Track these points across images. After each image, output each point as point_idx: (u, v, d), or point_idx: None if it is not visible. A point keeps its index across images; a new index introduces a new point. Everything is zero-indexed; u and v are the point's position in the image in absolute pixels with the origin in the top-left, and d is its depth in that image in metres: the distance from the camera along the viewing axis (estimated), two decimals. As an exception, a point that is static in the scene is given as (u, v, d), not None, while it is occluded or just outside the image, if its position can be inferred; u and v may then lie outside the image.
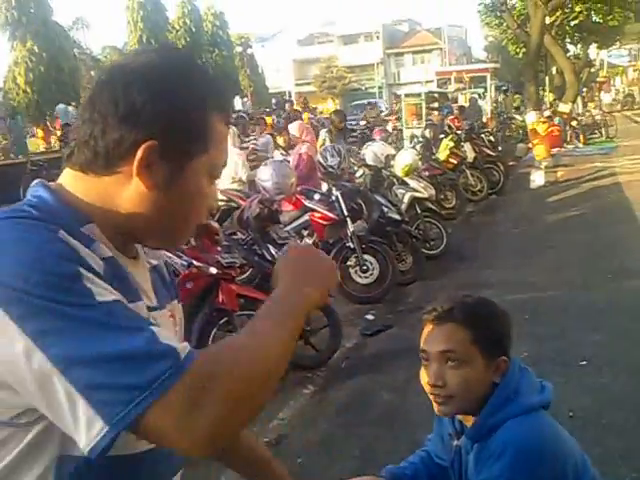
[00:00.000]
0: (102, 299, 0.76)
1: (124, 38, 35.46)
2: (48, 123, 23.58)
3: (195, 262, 3.98)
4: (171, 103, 0.86)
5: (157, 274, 1.05)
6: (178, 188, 0.88)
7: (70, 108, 21.99)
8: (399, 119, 17.47)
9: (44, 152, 19.66)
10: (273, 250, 4.48)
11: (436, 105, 15.59)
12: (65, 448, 0.82)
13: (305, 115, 19.37)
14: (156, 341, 0.75)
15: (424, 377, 1.48)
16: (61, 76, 25.17)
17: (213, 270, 4.01)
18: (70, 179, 0.90)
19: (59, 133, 19.48)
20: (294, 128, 8.21)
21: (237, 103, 30.90)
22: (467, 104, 17.26)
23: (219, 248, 4.19)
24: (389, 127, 16.22)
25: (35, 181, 0.92)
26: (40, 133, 25.08)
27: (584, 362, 3.97)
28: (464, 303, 1.49)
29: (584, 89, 28.75)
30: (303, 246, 1.06)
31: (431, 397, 1.48)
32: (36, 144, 24.02)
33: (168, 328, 1.00)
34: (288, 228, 5.65)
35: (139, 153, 0.84)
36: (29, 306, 0.73)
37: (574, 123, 18.44)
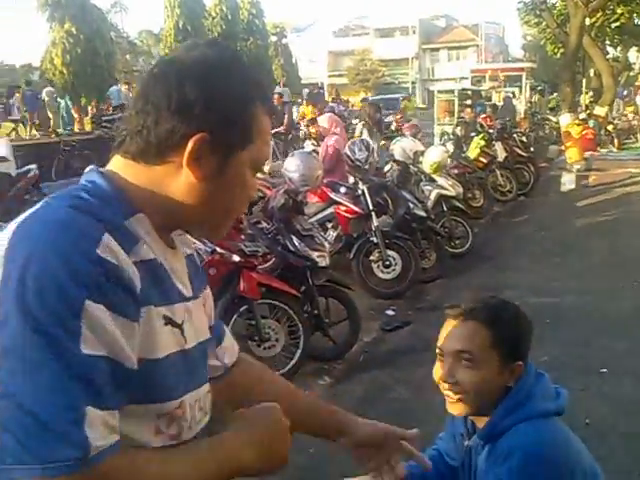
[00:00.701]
0: (86, 351, 0.75)
1: (160, 23, 35.72)
2: (92, 104, 23.82)
3: (218, 249, 4.02)
4: (221, 97, 0.89)
5: (191, 263, 1.08)
6: (224, 179, 0.92)
7: (123, 89, 22.20)
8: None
9: (77, 133, 19.89)
10: (296, 241, 4.49)
11: (469, 102, 15.41)
12: None
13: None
14: (80, 426, 0.73)
15: (437, 372, 1.49)
16: (97, 59, 25.39)
17: (236, 258, 4.04)
18: (122, 166, 0.93)
19: (105, 115, 19.70)
20: (324, 120, 8.20)
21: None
22: (501, 103, 17.05)
23: (243, 236, 4.22)
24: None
25: (89, 167, 0.95)
26: (75, 114, 25.38)
27: (604, 370, 3.93)
28: (488, 304, 1.48)
29: (624, 92, 28.23)
30: (276, 412, 1.02)
31: (444, 394, 1.48)
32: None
33: (199, 317, 1.03)
34: (312, 220, 5.66)
35: (190, 145, 0.88)
36: (18, 314, 0.74)
37: (610, 127, 18.12)
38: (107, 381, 0.78)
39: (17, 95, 20.20)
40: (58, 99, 20.85)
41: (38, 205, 0.86)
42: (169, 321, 0.90)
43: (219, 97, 0.89)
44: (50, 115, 20.16)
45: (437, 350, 1.50)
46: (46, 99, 20.08)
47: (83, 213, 0.83)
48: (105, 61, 25.85)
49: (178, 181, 0.91)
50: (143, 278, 0.85)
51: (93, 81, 24.48)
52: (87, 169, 0.95)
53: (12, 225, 0.83)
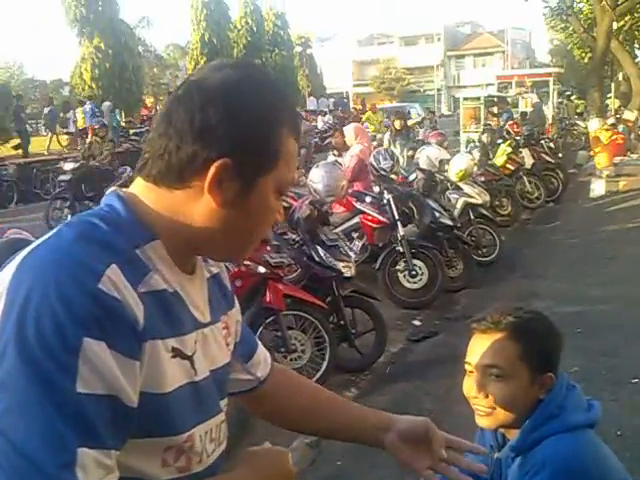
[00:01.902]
0: (82, 390, 0.74)
1: (187, 37, 36.19)
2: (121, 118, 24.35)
3: (244, 260, 4.04)
4: (246, 122, 0.87)
5: (217, 283, 1.06)
6: (247, 204, 0.90)
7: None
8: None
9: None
10: (322, 251, 4.50)
11: (495, 110, 15.31)
12: None
13: (367, 115, 19.11)
14: (71, 468, 0.72)
15: (467, 387, 1.47)
16: (125, 73, 25.88)
17: (262, 269, 4.06)
18: (142, 189, 0.91)
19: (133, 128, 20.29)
20: (349, 130, 8.22)
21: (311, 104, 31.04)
22: (531, 109, 16.89)
23: (268, 247, 4.24)
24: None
25: (111, 189, 0.94)
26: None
27: (636, 380, 3.85)
28: (515, 316, 1.45)
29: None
30: (285, 458, 1.02)
31: (474, 408, 1.46)
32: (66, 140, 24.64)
33: (219, 342, 1.02)
34: (338, 230, 5.68)
35: (212, 171, 0.86)
36: (15, 349, 0.74)
37: (640, 132, 17.82)
38: (104, 420, 0.76)
39: (79, 109, 20.72)
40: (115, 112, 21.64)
41: (51, 232, 0.86)
42: (178, 353, 0.88)
43: (243, 121, 0.87)
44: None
45: (465, 365, 1.48)
46: (104, 112, 20.73)
47: (91, 243, 0.82)
48: (133, 75, 26.31)
49: (199, 206, 0.89)
50: (150, 311, 0.83)
51: (121, 95, 24.91)
52: (109, 190, 0.95)
53: (23, 252, 0.83)
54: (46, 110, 21.50)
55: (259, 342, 1.25)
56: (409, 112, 24.16)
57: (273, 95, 0.92)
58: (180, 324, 0.90)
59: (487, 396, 1.42)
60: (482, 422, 1.47)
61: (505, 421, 1.45)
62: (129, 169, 10.21)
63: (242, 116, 0.87)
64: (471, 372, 1.46)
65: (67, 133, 20.01)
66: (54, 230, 0.86)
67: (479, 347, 1.45)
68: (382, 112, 21.78)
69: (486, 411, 1.44)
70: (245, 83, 0.89)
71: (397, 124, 10.29)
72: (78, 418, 0.73)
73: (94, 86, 25.55)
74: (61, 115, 21.37)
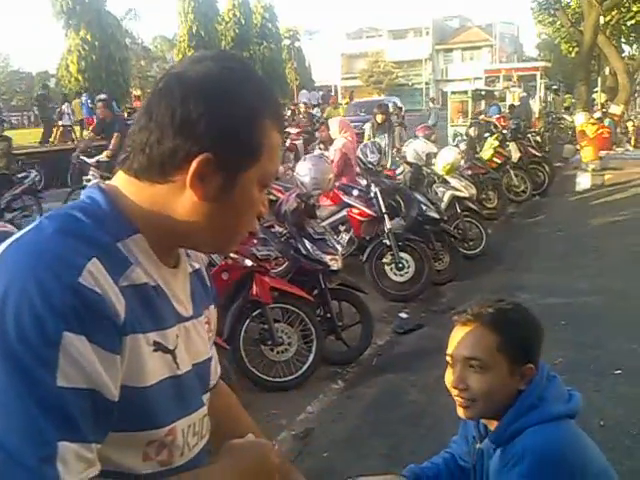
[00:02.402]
0: (62, 384, 0.74)
1: (174, 29, 35.96)
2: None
3: (231, 254, 4.04)
4: (227, 116, 0.86)
5: (198, 278, 1.06)
6: (230, 198, 0.89)
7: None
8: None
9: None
10: (309, 244, 4.50)
11: (482, 107, 15.37)
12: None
13: (328, 110, 18.78)
14: (51, 462, 0.72)
15: (448, 379, 1.49)
16: (112, 65, 25.72)
17: (248, 262, 4.06)
18: (124, 183, 0.91)
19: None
20: (334, 124, 8.21)
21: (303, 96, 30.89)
22: (518, 103, 16.97)
23: (255, 240, 4.24)
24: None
25: (93, 181, 0.95)
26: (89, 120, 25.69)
27: (619, 371, 3.89)
28: (495, 308, 1.47)
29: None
30: (266, 449, 1.00)
31: (455, 399, 1.48)
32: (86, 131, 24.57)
33: (201, 336, 1.02)
34: (325, 223, 5.68)
35: (193, 166, 0.85)
36: None
37: (629, 124, 17.93)
38: (85, 414, 0.76)
39: (76, 101, 20.54)
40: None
41: (29, 226, 0.85)
42: (160, 347, 0.88)
43: (224, 115, 0.86)
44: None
45: (447, 357, 1.50)
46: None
47: (71, 237, 0.81)
48: (120, 67, 26.14)
49: (182, 200, 0.88)
50: (131, 305, 0.83)
51: (108, 87, 24.71)
52: (90, 183, 0.95)
53: (1, 246, 0.82)
54: (64, 105, 21.31)
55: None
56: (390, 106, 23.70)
57: (255, 88, 0.90)
58: (161, 318, 0.89)
59: (467, 388, 1.44)
60: (463, 413, 1.48)
61: (485, 412, 1.47)
62: None
63: (223, 110, 0.86)
64: (452, 364, 1.48)
65: (62, 126, 19.79)
66: (34, 223, 0.86)
67: (459, 339, 1.47)
68: (344, 107, 21.56)
69: (467, 402, 1.45)
70: (226, 76, 0.88)
71: (379, 118, 10.30)
72: (58, 412, 0.73)
73: (80, 78, 25.37)
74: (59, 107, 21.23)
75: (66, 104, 20.58)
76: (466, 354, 1.44)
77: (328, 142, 8.16)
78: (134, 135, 0.89)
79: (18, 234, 0.84)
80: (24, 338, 0.73)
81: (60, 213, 0.87)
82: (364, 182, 6.38)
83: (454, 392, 1.47)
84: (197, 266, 1.07)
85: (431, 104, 23.33)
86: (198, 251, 1.03)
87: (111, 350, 0.79)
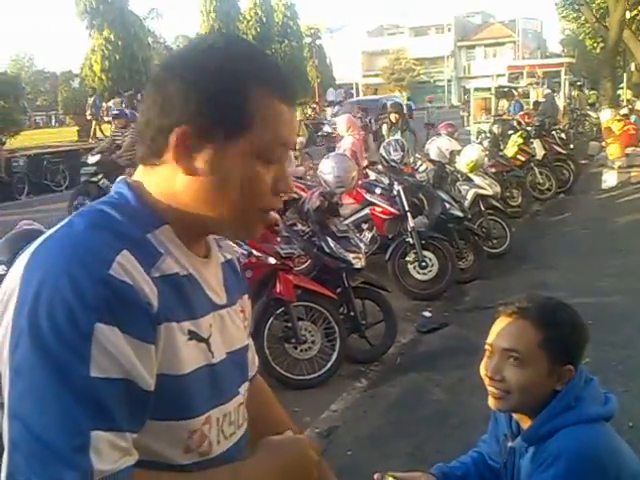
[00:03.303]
0: (96, 374, 0.75)
1: (196, 28, 36.17)
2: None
3: (255, 252, 4.05)
4: (206, 87, 0.85)
5: (231, 268, 1.07)
6: (222, 172, 0.87)
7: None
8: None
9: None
10: (332, 243, 4.50)
11: (505, 104, 15.21)
12: None
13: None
14: (84, 451, 0.73)
15: (484, 368, 1.47)
16: (135, 64, 25.92)
17: (272, 260, 4.06)
18: (141, 175, 0.93)
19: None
20: (341, 122, 8.17)
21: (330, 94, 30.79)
22: (542, 99, 16.79)
23: (278, 239, 4.24)
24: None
25: (120, 177, 0.96)
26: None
27: (648, 372, 3.83)
28: (543, 304, 1.46)
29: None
30: (304, 444, 0.99)
31: (488, 389, 1.46)
32: (109, 130, 24.81)
33: (237, 324, 1.02)
34: (348, 221, 5.68)
35: (172, 139, 0.85)
36: (29, 337, 0.75)
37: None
38: (119, 403, 0.77)
39: (116, 99, 20.86)
40: None
41: (61, 224, 0.87)
42: (194, 336, 0.89)
43: (203, 87, 0.85)
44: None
45: (486, 345, 1.48)
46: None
47: (101, 231, 0.83)
48: (143, 66, 26.32)
49: (179, 180, 0.88)
50: (164, 294, 0.83)
51: (131, 86, 24.93)
52: (118, 179, 0.96)
53: (34, 244, 0.83)
54: (90, 100, 21.60)
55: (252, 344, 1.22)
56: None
57: (244, 57, 0.89)
58: (194, 307, 0.90)
59: (502, 379, 1.42)
60: (494, 404, 1.46)
61: (517, 406, 1.45)
62: None
63: (199, 82, 0.85)
64: (490, 353, 1.46)
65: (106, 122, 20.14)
66: (65, 220, 0.87)
67: (501, 330, 1.45)
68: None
69: (500, 394, 1.43)
70: (213, 50, 0.89)
71: (393, 117, 10.27)
72: (92, 402, 0.74)
73: (104, 77, 25.61)
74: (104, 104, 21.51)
75: (111, 101, 20.92)
76: (506, 345, 1.42)
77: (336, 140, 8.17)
78: (138, 126, 0.92)
79: (49, 232, 0.85)
80: (57, 332, 0.74)
81: (90, 209, 0.89)
82: (387, 180, 6.35)
83: (488, 381, 1.45)
84: (229, 256, 1.08)
85: (428, 103, 23.16)
86: (227, 237, 1.03)
87: (145, 340, 0.79)
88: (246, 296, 1.12)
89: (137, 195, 0.90)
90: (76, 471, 0.72)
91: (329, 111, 24.51)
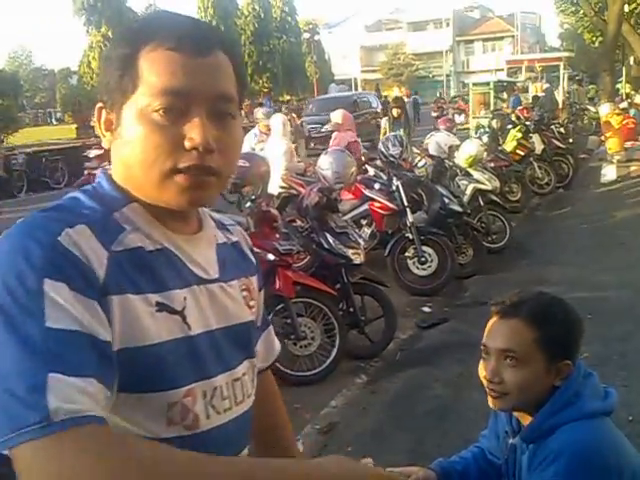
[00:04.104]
0: (50, 325, 0.76)
1: (194, 24, 36.06)
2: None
3: (253, 248, 4.03)
4: (103, 60, 0.93)
5: (235, 249, 1.08)
6: (124, 134, 0.90)
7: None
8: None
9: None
10: (331, 239, 4.49)
11: (504, 96, 15.21)
12: None
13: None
14: (40, 391, 0.72)
15: (482, 370, 1.46)
16: (133, 61, 25.90)
17: (271, 256, 4.06)
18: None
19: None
20: (337, 116, 8.17)
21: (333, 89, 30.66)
22: (541, 94, 16.79)
23: (277, 235, 4.24)
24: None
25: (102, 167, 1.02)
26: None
27: (648, 366, 3.83)
28: (535, 300, 1.44)
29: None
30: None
31: (487, 390, 1.46)
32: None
33: (234, 299, 1.02)
34: (347, 217, 5.66)
35: (95, 116, 0.94)
36: None
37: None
38: (79, 351, 0.76)
39: None
40: None
41: None
42: (164, 307, 0.88)
43: (102, 65, 0.93)
44: None
45: (482, 347, 1.47)
46: None
47: (61, 212, 0.87)
48: (141, 63, 26.29)
49: (113, 155, 0.94)
50: (121, 267, 0.85)
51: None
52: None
53: None
54: None
55: (272, 337, 1.21)
56: (372, 102, 21.03)
57: (142, 22, 0.95)
58: (165, 280, 0.90)
59: (501, 381, 1.41)
60: (493, 404, 1.46)
61: (517, 405, 1.44)
62: None
63: (102, 63, 0.93)
64: (486, 355, 1.45)
65: None
66: None
67: (496, 330, 1.44)
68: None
69: (498, 395, 1.43)
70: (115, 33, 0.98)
71: (395, 112, 10.25)
72: (48, 349, 0.74)
73: (102, 75, 25.60)
74: None
75: None
76: (502, 346, 1.41)
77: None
78: None
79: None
80: (10, 293, 0.76)
81: (64, 197, 0.93)
82: (385, 175, 6.34)
83: (486, 383, 1.44)
84: (234, 239, 1.09)
85: (406, 98, 23.22)
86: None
87: (90, 297, 0.80)
88: (254, 277, 1.11)
89: (109, 179, 0.94)
90: (34, 410, 0.71)
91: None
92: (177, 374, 0.87)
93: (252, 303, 1.08)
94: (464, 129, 10.36)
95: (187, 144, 0.87)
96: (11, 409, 0.72)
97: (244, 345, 1.03)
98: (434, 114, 22.79)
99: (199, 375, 0.91)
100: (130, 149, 0.88)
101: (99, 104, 0.93)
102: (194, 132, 0.87)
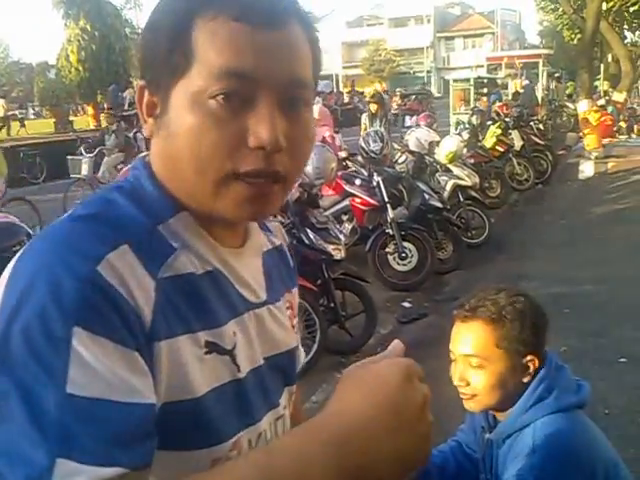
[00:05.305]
0: (74, 391, 0.59)
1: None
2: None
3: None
4: (148, 28, 0.74)
5: (280, 256, 0.93)
6: (172, 121, 0.72)
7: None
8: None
9: (94, 130, 20.04)
10: (312, 234, 4.49)
11: (484, 91, 15.30)
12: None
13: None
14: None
15: (452, 374, 1.48)
16: (112, 55, 25.62)
17: (251, 252, 4.04)
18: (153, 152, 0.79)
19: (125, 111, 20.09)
20: (314, 111, 8.20)
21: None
22: (521, 90, 16.91)
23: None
24: None
25: (141, 155, 0.82)
26: (90, 111, 25.62)
27: (623, 360, 3.89)
28: (492, 302, 1.43)
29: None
30: (410, 371, 0.65)
31: (460, 393, 1.48)
32: (86, 122, 24.55)
33: (280, 323, 0.86)
34: (328, 213, 5.65)
35: (136, 97, 0.77)
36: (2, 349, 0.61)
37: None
38: (105, 428, 0.59)
39: (130, 90, 20.68)
40: None
41: (66, 214, 0.73)
42: (213, 348, 0.72)
43: (146, 38, 0.74)
44: None
45: (450, 352, 1.49)
46: None
47: (98, 223, 0.69)
48: (120, 57, 26.03)
49: (155, 144, 0.76)
50: (170, 302, 0.69)
51: (108, 77, 24.66)
52: (138, 156, 0.83)
53: (28, 244, 0.70)
54: (110, 88, 21.46)
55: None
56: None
57: None
58: (216, 312, 0.74)
59: (469, 384, 1.43)
60: (468, 405, 1.48)
61: (490, 406, 1.46)
62: None
63: (146, 33, 0.75)
64: (454, 360, 1.47)
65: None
66: (70, 211, 0.74)
67: (459, 336, 1.46)
68: None
69: (469, 397, 1.45)
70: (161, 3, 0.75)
71: (372, 108, 10.27)
72: (63, 426, 0.58)
73: (80, 68, 25.28)
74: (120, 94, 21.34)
75: (127, 91, 20.82)
76: (465, 351, 1.43)
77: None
78: None
79: (49, 225, 0.72)
80: (29, 342, 0.60)
81: (96, 197, 0.75)
82: (365, 172, 6.36)
83: (458, 387, 1.47)
84: (277, 242, 0.93)
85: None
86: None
87: (132, 348, 0.63)
88: (295, 289, 0.95)
89: (152, 176, 0.76)
90: None
91: None
92: (224, 425, 0.73)
93: (295, 322, 0.93)
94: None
95: (251, 142, 0.69)
96: None
97: (287, 373, 0.88)
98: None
99: (245, 422, 0.76)
100: (178, 144, 0.71)
101: (141, 82, 0.75)
102: (261, 127, 0.69)
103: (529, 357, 1.42)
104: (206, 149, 0.69)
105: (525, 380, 1.42)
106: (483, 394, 1.42)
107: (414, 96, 23.69)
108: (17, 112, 26.84)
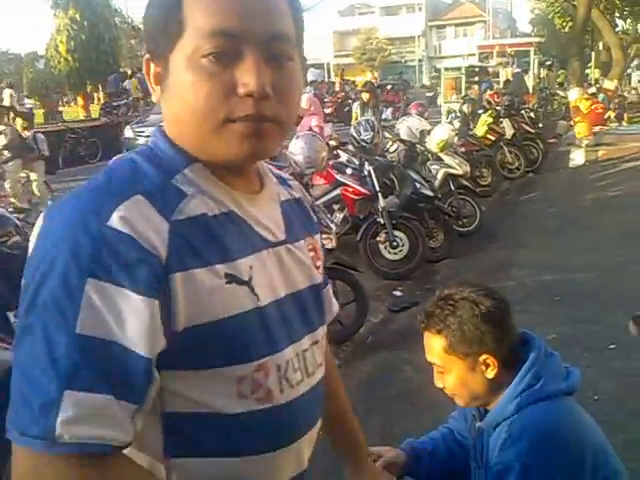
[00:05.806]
0: (80, 331, 0.70)
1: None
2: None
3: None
4: (147, 11, 0.85)
5: (299, 206, 1.03)
6: (172, 86, 0.83)
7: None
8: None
9: (83, 120, 19.89)
10: (302, 223, 4.49)
11: (476, 79, 15.29)
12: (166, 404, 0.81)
13: None
14: (50, 410, 0.69)
15: None
16: (102, 45, 25.40)
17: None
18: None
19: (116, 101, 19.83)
20: (303, 100, 8.20)
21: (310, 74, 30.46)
22: (512, 78, 16.90)
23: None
24: None
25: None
26: (80, 101, 25.41)
27: (613, 346, 3.90)
28: (436, 310, 1.46)
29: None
30: None
31: None
32: (76, 112, 24.35)
33: (301, 262, 0.96)
34: (319, 202, 5.65)
35: (144, 68, 0.88)
36: (25, 295, 0.75)
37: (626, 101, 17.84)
38: (108, 364, 0.71)
39: (132, 80, 20.49)
40: None
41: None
42: (232, 279, 0.82)
43: (147, 14, 0.86)
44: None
45: None
46: None
47: (117, 182, 0.80)
48: (109, 46, 25.82)
49: (165, 108, 0.87)
50: (185, 239, 0.78)
51: (98, 67, 24.48)
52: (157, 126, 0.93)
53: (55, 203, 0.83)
54: (110, 78, 21.45)
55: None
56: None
57: None
58: (232, 248, 0.84)
59: (444, 386, 1.50)
60: (455, 403, 1.54)
61: (471, 402, 1.50)
62: None
63: (147, 10, 0.86)
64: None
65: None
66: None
67: (425, 343, 1.51)
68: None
69: (450, 396, 1.51)
70: None
71: (365, 97, 10.25)
72: (72, 361, 0.70)
73: (70, 58, 25.05)
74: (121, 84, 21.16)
75: (127, 81, 20.75)
76: (430, 359, 1.50)
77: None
78: None
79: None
80: (51, 290, 0.72)
81: (119, 160, 0.87)
82: (357, 160, 6.34)
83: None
84: (297, 195, 1.04)
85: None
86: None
87: (145, 294, 0.74)
88: (317, 236, 1.06)
89: (165, 138, 0.87)
90: (40, 427, 0.69)
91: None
92: (246, 348, 0.83)
93: (318, 264, 1.03)
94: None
95: (240, 90, 0.79)
96: (21, 411, 0.70)
97: (315, 310, 0.99)
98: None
99: (270, 349, 0.86)
100: (179, 101, 0.82)
101: (146, 55, 0.86)
102: (247, 76, 0.79)
103: (484, 356, 1.43)
104: (202, 100, 0.79)
105: (490, 376, 1.44)
106: (457, 395, 1.49)
107: (390, 86, 23.30)
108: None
